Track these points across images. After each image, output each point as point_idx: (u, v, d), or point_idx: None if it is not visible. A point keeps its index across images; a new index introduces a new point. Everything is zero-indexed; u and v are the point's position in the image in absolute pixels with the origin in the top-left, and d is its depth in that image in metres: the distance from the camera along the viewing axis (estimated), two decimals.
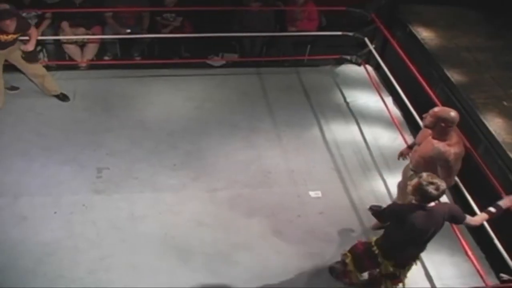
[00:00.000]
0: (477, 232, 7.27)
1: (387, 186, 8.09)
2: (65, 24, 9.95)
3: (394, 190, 7.92)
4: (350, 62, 10.85)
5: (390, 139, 8.92)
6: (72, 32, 10.01)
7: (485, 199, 7.00)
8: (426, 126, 6.24)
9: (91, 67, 10.30)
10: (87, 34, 10.14)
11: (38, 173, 7.90)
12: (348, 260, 6.39)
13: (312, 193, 7.85)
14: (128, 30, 10.08)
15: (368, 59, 10.72)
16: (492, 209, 5.92)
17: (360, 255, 6.27)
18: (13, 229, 7.12)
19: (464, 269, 7.03)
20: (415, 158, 6.49)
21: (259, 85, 10.12)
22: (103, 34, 10.34)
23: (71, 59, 10.22)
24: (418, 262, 6.40)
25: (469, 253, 6.88)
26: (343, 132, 9.07)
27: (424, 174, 5.50)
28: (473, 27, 10.03)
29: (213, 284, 6.69)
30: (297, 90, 10.06)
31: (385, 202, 7.74)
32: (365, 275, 6.50)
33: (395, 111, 9.46)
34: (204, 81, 10.11)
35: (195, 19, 10.54)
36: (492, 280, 6.85)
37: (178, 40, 10.44)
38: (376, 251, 6.04)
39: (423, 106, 8.30)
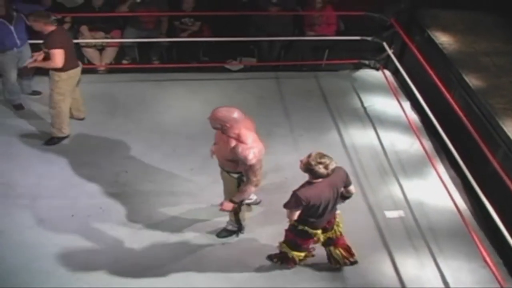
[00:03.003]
0: (495, 238, 7.24)
1: (403, 191, 8.04)
2: (84, 28, 10.10)
3: (411, 195, 7.95)
4: (368, 66, 10.84)
5: (408, 144, 8.88)
6: (91, 36, 10.16)
7: (504, 204, 6.99)
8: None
9: (110, 70, 10.41)
10: (106, 38, 10.26)
11: (56, 176, 7.97)
12: (283, 248, 6.56)
13: None
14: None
15: (386, 64, 10.70)
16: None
17: (291, 238, 6.42)
18: (30, 231, 7.18)
19: (481, 276, 6.95)
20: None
21: (277, 89, 10.13)
22: (122, 38, 10.41)
23: (90, 62, 10.32)
24: (435, 268, 6.42)
25: (487, 259, 6.80)
26: (360, 136, 9.05)
27: (313, 153, 5.76)
28: (492, 31, 9.97)
29: (227, 284, 6.68)
30: (315, 94, 10.06)
31: (402, 206, 7.78)
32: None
33: (413, 116, 9.43)
34: (222, 86, 10.14)
35: (213, 24, 10.62)
36: (510, 287, 6.79)
37: (196, 44, 10.50)
38: (302, 227, 6.21)
39: (441, 111, 8.33)
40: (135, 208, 7.59)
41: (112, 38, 10.33)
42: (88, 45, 10.13)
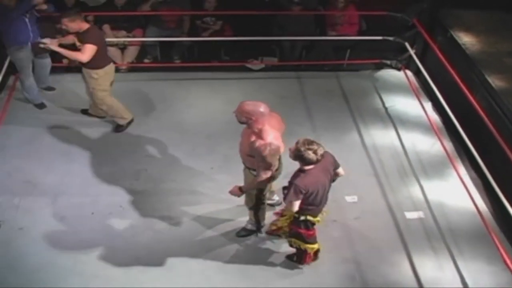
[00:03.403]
0: None
1: (424, 191, 8.00)
2: (106, 27, 10.16)
3: (431, 196, 7.92)
4: (390, 67, 10.78)
5: (428, 145, 8.83)
6: (113, 34, 10.22)
7: None
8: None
9: (131, 69, 10.47)
10: (128, 36, 10.32)
11: (78, 174, 8.04)
12: (295, 243, 6.60)
13: (348, 198, 7.81)
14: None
15: (408, 64, 10.65)
16: None
17: (296, 231, 6.46)
18: (52, 228, 7.25)
19: (502, 278, 6.89)
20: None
21: (298, 89, 10.12)
22: (144, 36, 10.46)
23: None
24: (455, 270, 6.55)
25: (508, 261, 6.75)
26: (381, 137, 9.02)
27: (301, 140, 5.84)
28: None
29: (246, 285, 6.70)
30: (336, 94, 10.04)
31: (422, 207, 7.76)
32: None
33: (434, 117, 9.37)
34: (243, 85, 10.15)
35: (235, 23, 10.62)
36: None
37: (218, 43, 10.54)
38: (304, 217, 6.29)
39: (463, 112, 8.28)
40: (155, 207, 7.62)
41: (134, 37, 10.38)
42: (110, 44, 10.16)
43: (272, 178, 6.41)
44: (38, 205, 7.54)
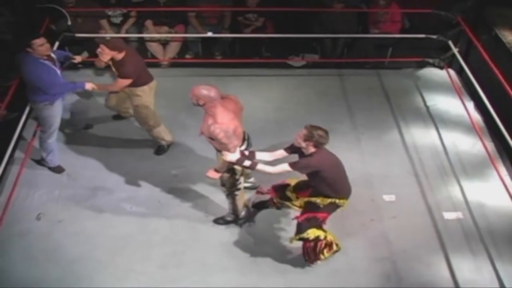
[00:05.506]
0: None
1: (463, 192, 7.92)
2: (149, 23, 10.23)
3: (471, 196, 7.84)
4: (433, 65, 10.66)
5: (470, 145, 8.73)
6: (156, 30, 10.29)
7: None
8: None
9: (172, 65, 10.53)
10: (170, 32, 10.37)
11: (116, 169, 8.14)
12: (312, 234, 6.54)
13: (386, 197, 7.77)
14: (210, 33, 10.18)
15: (451, 63, 10.52)
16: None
17: (318, 219, 6.50)
18: (90, 221, 7.38)
19: None
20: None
21: (339, 86, 10.09)
22: (186, 33, 10.52)
23: (153, 56, 10.48)
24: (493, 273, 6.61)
25: None
26: (422, 136, 8.94)
27: (308, 125, 6.08)
28: None
29: (281, 284, 6.72)
30: (377, 92, 9.98)
31: (461, 208, 7.68)
32: None
33: (476, 116, 9.25)
34: (284, 82, 10.16)
35: (277, 20, 10.61)
36: None
37: (259, 40, 10.54)
38: (332, 200, 6.38)
39: (506, 112, 8.14)
40: (193, 203, 7.70)
41: (176, 33, 10.43)
42: (152, 40, 10.26)
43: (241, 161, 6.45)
44: (77, 198, 7.68)
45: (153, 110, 8.13)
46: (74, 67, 9.26)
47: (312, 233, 6.53)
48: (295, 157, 6.35)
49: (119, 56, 7.61)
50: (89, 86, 7.64)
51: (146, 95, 7.94)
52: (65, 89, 7.70)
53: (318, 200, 6.40)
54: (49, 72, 7.30)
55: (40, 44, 7.17)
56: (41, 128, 7.90)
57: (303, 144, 6.10)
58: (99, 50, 7.59)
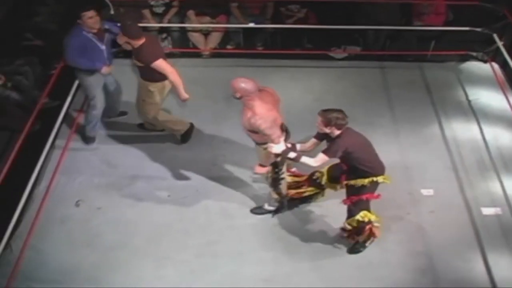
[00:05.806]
0: None
1: (503, 187, 7.81)
2: (191, 13, 10.28)
3: (511, 192, 7.71)
4: (476, 59, 10.46)
5: (511, 140, 8.60)
6: (198, 20, 10.34)
7: None
8: None
9: (214, 55, 10.56)
10: (212, 23, 10.42)
11: (155, 158, 8.23)
12: (365, 217, 6.63)
13: (424, 191, 7.71)
14: (252, 24, 10.19)
15: (495, 56, 10.31)
16: None
17: (364, 200, 6.58)
18: (128, 209, 7.48)
19: None
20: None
21: (381, 79, 10.01)
22: (228, 23, 10.55)
23: (194, 46, 10.52)
24: None
25: None
26: (462, 130, 8.83)
27: (321, 111, 6.22)
28: None
29: (315, 275, 6.73)
30: (419, 85, 9.87)
31: (500, 203, 7.59)
32: None
33: None
34: (325, 74, 10.12)
35: (319, 11, 10.56)
36: None
37: (301, 31, 10.50)
38: (371, 178, 6.42)
39: None
40: (231, 193, 7.74)
41: (218, 23, 10.46)
42: (194, 30, 10.31)
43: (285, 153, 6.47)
44: (116, 186, 7.79)
45: (158, 108, 8.05)
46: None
47: (365, 215, 6.60)
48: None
49: (136, 43, 7.43)
50: (105, 70, 7.82)
51: (157, 92, 7.80)
52: (84, 66, 7.80)
53: (357, 181, 6.44)
54: (80, 45, 7.57)
55: (90, 17, 7.44)
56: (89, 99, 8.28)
57: (326, 130, 6.18)
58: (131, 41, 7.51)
